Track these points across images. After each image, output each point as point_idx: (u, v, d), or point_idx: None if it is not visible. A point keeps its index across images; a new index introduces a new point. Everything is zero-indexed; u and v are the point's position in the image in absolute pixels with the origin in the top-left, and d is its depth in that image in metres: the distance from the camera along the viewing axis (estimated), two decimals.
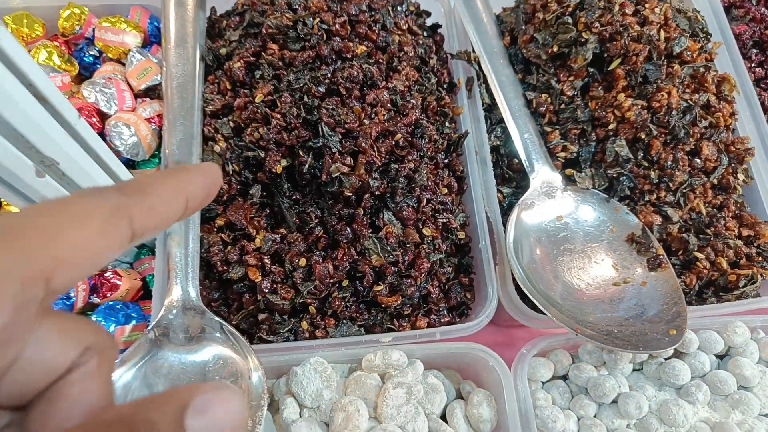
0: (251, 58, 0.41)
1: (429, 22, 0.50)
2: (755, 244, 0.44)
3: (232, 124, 0.41)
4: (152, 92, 0.44)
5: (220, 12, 0.47)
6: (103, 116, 0.43)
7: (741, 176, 0.45)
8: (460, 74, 0.47)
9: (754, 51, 0.50)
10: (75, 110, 0.30)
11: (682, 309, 0.38)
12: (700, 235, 0.43)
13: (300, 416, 0.36)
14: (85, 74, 0.45)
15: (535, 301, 0.38)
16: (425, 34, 0.48)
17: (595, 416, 0.39)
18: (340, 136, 0.38)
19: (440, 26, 0.50)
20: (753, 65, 0.50)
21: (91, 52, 0.45)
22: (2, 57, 0.24)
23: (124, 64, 0.45)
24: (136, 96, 0.44)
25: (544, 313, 0.37)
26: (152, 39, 0.47)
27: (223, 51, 0.43)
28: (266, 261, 0.38)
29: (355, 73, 0.39)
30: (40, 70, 0.26)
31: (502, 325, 0.47)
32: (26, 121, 0.26)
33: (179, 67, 0.42)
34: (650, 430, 0.37)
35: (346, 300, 0.39)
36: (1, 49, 0.24)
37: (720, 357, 0.41)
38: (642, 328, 0.38)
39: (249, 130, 0.40)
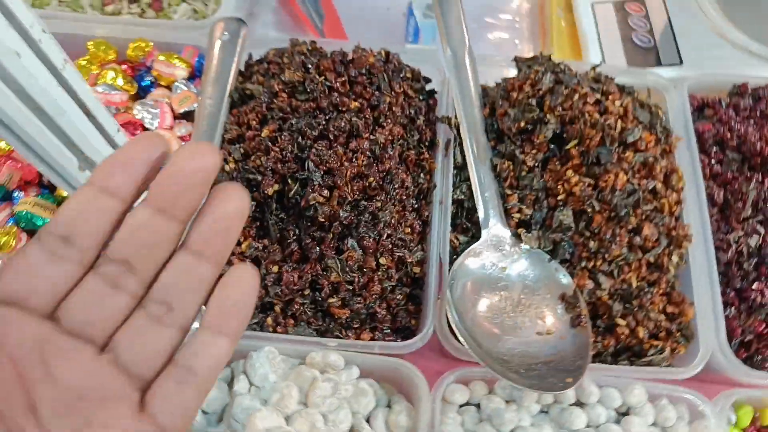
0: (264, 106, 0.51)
1: (431, 86, 0.59)
2: (677, 321, 0.49)
3: (242, 150, 0.50)
4: (189, 117, 0.55)
5: (256, 58, 0.58)
6: (146, 131, 0.54)
7: (675, 258, 0.51)
8: (444, 135, 0.55)
9: (714, 149, 0.56)
10: (116, 123, 0.40)
11: (585, 363, 0.44)
12: (626, 305, 0.49)
13: (248, 392, 0.44)
14: (141, 95, 0.57)
15: (457, 333, 0.45)
16: (420, 97, 0.57)
17: None
18: (322, 173, 0.47)
19: (436, 92, 0.58)
20: (712, 161, 0.55)
21: (148, 78, 0.56)
22: (65, 85, 0.35)
23: (171, 90, 0.56)
24: (176, 118, 0.55)
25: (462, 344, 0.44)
26: (197, 73, 0.58)
27: (248, 91, 0.53)
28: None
29: (344, 124, 0.49)
30: (90, 92, 0.36)
31: (447, 355, 0.54)
32: (74, 129, 0.37)
33: (211, 100, 0.53)
34: None
35: (305, 306, 0.47)
36: (65, 80, 0.35)
37: (623, 414, 0.46)
38: (547, 372, 0.44)
39: (253, 157, 0.49)
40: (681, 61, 0.62)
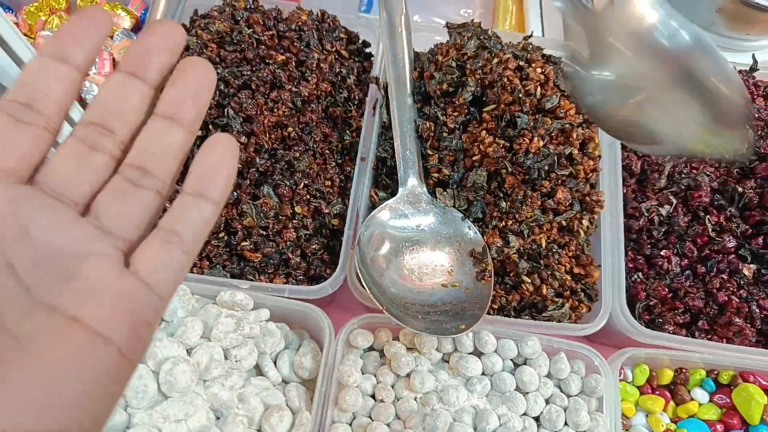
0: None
1: (371, 51, 0.61)
2: (583, 282, 0.51)
3: None
4: None
5: (201, 13, 0.59)
6: None
7: (586, 222, 0.52)
8: (374, 96, 0.57)
9: None
10: (34, 52, 0.42)
11: (482, 313, 0.46)
12: (534, 264, 0.50)
13: (159, 326, 0.46)
14: None
15: (360, 278, 0.46)
16: (355, 58, 0.58)
17: (392, 386, 0.46)
18: (241, 119, 0.49)
19: (372, 56, 0.60)
20: None
21: None
22: None
23: (112, 39, 0.58)
24: (115, 66, 0.57)
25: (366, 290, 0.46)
26: (142, 25, 0.59)
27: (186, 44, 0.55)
28: None
29: (266, 74, 0.50)
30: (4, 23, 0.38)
31: (361, 306, 0.55)
32: None
33: None
34: (430, 404, 0.44)
35: (220, 248, 0.49)
36: None
37: (518, 365, 0.48)
38: (444, 319, 0.46)
39: None
40: None
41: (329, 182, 0.52)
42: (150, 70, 0.22)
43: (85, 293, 0.19)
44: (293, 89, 0.51)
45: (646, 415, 0.48)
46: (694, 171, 0.55)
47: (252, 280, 0.49)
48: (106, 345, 0.18)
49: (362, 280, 0.47)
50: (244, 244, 0.48)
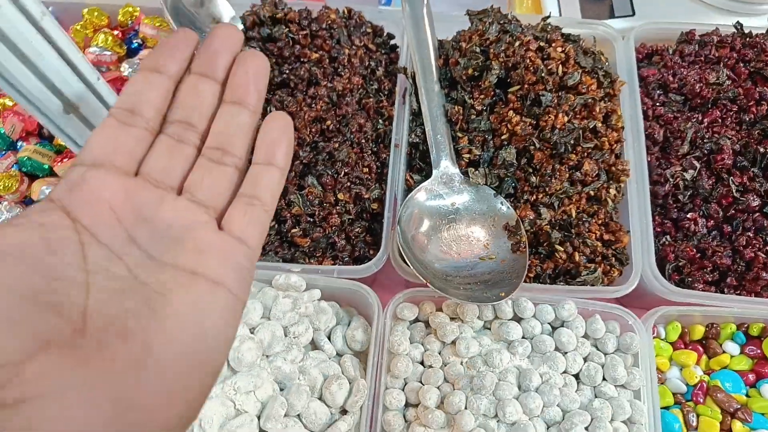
0: None
1: (395, 42, 0.64)
2: (613, 248, 0.54)
3: None
4: None
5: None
6: None
7: (613, 191, 0.55)
8: (402, 85, 0.60)
9: (658, 92, 0.59)
10: (96, 72, 0.46)
11: (520, 281, 0.49)
12: (565, 233, 0.53)
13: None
14: (131, 56, 0.63)
15: (404, 255, 0.50)
16: (382, 51, 0.62)
17: (439, 353, 0.50)
18: None
19: (398, 47, 0.63)
20: (655, 104, 0.59)
21: (136, 41, 0.62)
22: (44, 33, 0.41)
23: None
24: None
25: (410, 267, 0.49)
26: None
27: None
28: None
29: (303, 72, 0.54)
30: (69, 42, 0.42)
31: (403, 282, 0.58)
32: (55, 73, 0.42)
33: None
34: (475, 367, 0.48)
35: (272, 237, 0.53)
36: (44, 29, 0.41)
37: (555, 327, 0.51)
38: (485, 288, 0.49)
39: None
40: (633, 13, 0.66)
41: (367, 169, 0.56)
42: (217, 69, 0.27)
43: (196, 253, 0.24)
44: (328, 85, 0.54)
45: (680, 369, 0.51)
46: (716, 135, 0.57)
47: (303, 264, 0.53)
48: (222, 288, 0.23)
49: (405, 258, 0.50)
50: (293, 231, 0.52)
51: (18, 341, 0.19)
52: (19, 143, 0.56)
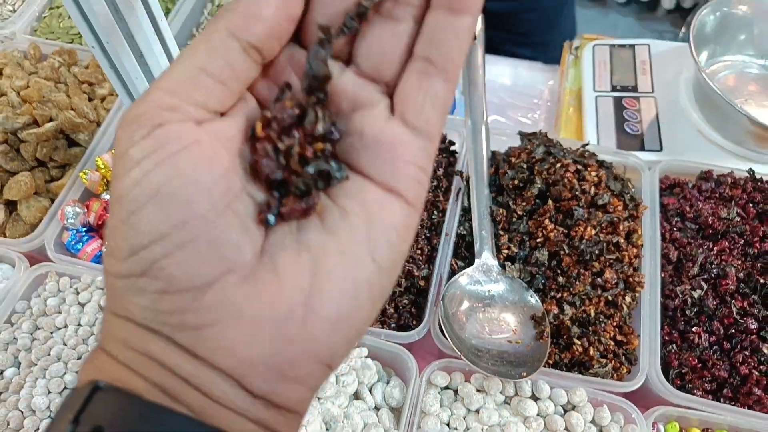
0: None
1: (455, 148, 0.76)
2: (624, 348, 0.62)
3: None
4: None
5: None
6: None
7: (629, 299, 0.63)
8: (457, 185, 0.71)
9: (675, 219, 0.69)
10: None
11: (540, 365, 0.57)
12: (583, 329, 0.62)
13: None
14: None
15: (444, 330, 0.59)
16: (444, 154, 0.73)
17: (464, 418, 0.58)
18: None
19: (457, 152, 0.75)
20: (673, 229, 0.69)
21: None
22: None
23: None
24: None
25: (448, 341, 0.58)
26: None
27: None
28: None
29: None
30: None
31: (438, 352, 0.67)
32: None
33: None
34: None
35: None
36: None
37: (567, 410, 0.59)
38: (510, 367, 0.58)
39: None
40: (661, 148, 0.77)
41: (420, 251, 0.66)
42: None
43: (373, 155, 0.21)
44: None
45: None
46: (724, 262, 0.66)
47: None
48: (397, 198, 0.21)
49: (444, 331, 0.59)
50: None
51: (207, 266, 0.19)
52: None
